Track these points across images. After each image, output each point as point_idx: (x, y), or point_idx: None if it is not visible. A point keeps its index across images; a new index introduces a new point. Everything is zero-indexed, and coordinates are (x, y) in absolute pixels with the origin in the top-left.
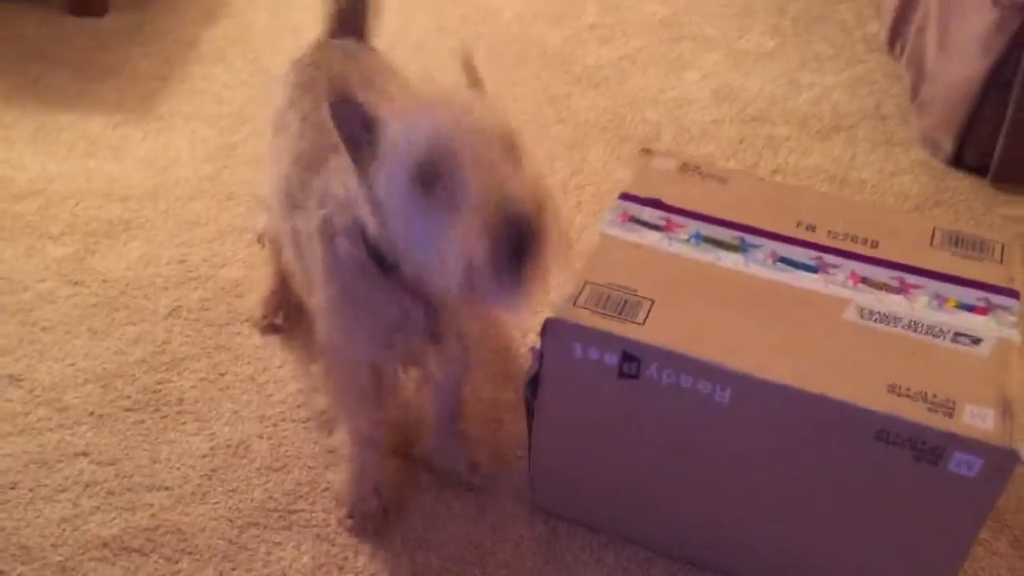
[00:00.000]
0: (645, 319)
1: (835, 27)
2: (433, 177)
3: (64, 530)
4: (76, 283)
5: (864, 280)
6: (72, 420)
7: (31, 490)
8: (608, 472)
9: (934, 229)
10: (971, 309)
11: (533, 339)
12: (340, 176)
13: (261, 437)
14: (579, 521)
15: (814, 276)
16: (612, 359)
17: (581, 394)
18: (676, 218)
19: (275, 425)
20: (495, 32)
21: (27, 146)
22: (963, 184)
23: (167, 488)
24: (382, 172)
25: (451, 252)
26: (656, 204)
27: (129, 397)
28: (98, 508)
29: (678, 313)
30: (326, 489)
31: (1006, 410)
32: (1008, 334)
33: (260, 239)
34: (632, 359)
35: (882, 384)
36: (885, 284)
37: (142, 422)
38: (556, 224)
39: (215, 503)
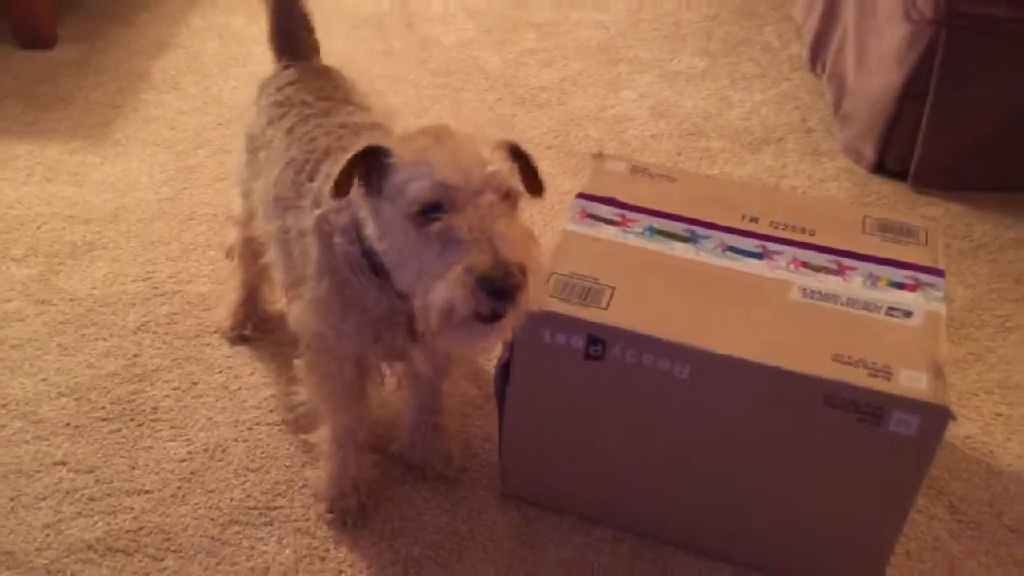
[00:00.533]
0: (608, 304)
1: (760, 49)
2: (430, 219)
3: (48, 535)
4: (43, 302)
5: (805, 264)
6: (48, 431)
7: (11, 499)
8: (576, 453)
9: (864, 217)
10: (902, 287)
11: None
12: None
13: (237, 441)
14: (548, 505)
15: (759, 262)
16: (579, 342)
17: (550, 378)
18: (630, 214)
19: (250, 429)
20: (439, 56)
21: None
22: (885, 188)
23: (147, 492)
24: (386, 204)
25: (435, 295)
26: (611, 202)
27: (104, 408)
28: (80, 513)
29: (638, 298)
30: (304, 486)
31: (938, 373)
32: (936, 307)
33: (229, 253)
34: (597, 342)
35: (827, 354)
36: (824, 267)
37: (118, 431)
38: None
39: (196, 504)
